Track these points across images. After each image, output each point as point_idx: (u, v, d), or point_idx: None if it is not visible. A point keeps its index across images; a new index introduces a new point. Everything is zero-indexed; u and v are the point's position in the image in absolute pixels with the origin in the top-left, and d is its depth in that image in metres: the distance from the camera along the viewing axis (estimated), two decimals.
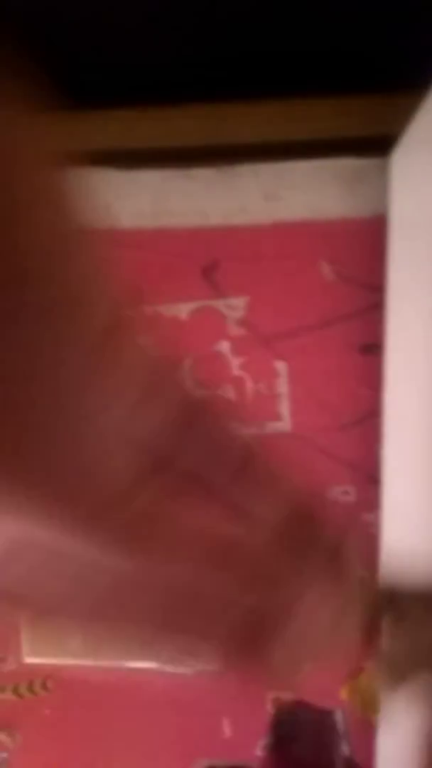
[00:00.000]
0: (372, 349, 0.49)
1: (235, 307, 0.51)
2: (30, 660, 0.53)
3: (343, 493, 0.50)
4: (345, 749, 0.47)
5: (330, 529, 0.16)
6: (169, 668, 0.52)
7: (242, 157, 0.49)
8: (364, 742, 0.50)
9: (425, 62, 0.35)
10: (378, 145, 0.46)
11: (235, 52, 0.46)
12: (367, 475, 0.49)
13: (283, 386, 0.51)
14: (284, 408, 0.51)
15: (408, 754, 0.40)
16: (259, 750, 0.51)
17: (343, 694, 0.51)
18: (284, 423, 0.51)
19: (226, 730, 0.52)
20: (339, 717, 0.48)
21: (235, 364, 0.51)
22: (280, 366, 0.51)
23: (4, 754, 0.55)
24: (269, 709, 0.52)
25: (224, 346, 0.51)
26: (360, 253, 0.49)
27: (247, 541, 0.14)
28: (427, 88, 0.36)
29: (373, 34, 0.43)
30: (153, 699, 0.53)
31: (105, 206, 0.51)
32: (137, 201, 0.51)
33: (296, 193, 0.49)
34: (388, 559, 0.45)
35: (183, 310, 0.51)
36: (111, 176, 0.51)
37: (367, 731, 0.49)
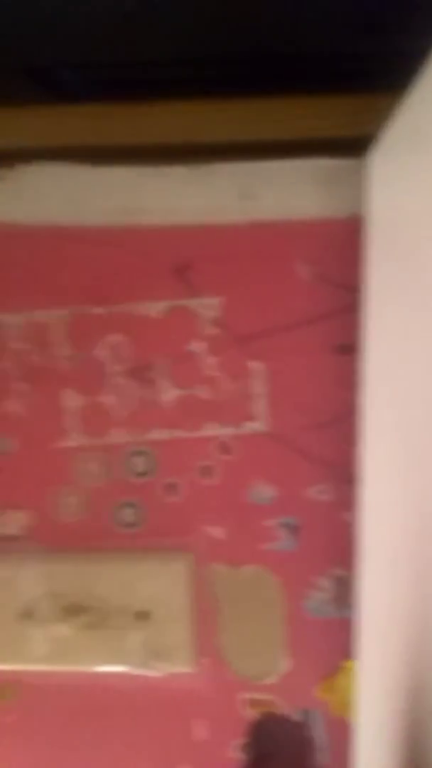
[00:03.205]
0: (348, 349, 0.49)
1: (209, 306, 0.50)
2: None
3: (320, 492, 0.50)
4: (321, 760, 0.47)
5: None
6: (139, 671, 0.51)
7: (217, 156, 0.49)
8: (340, 742, 0.50)
9: (403, 63, 0.35)
10: (355, 145, 0.46)
11: (212, 50, 0.46)
12: (344, 475, 0.49)
13: (259, 386, 0.50)
14: (260, 408, 0.50)
15: (384, 753, 0.41)
16: (232, 752, 0.51)
17: (320, 693, 0.51)
18: (260, 423, 0.50)
19: (199, 732, 0.52)
20: (317, 726, 0.49)
21: (210, 364, 0.51)
22: (256, 366, 0.50)
23: None
24: (242, 710, 0.52)
25: (199, 346, 0.51)
26: (336, 253, 0.49)
27: None
28: (404, 90, 0.36)
29: (351, 35, 0.43)
30: (123, 703, 0.52)
31: (76, 202, 0.50)
32: (109, 198, 0.50)
33: (272, 192, 0.49)
34: (366, 558, 0.45)
35: (156, 309, 0.51)
36: (83, 172, 0.50)
37: (343, 730, 0.50)
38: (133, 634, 0.50)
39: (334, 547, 0.50)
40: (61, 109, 0.48)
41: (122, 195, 0.50)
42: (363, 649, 0.47)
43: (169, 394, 0.51)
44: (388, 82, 0.38)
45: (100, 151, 0.49)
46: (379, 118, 0.41)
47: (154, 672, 0.51)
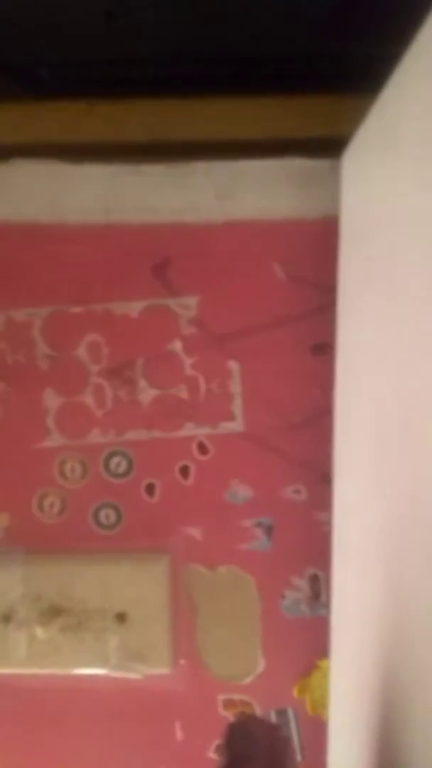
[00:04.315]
0: (324, 349, 0.49)
1: (187, 305, 0.50)
2: None
3: (295, 492, 0.51)
4: (298, 759, 0.47)
5: None
6: (118, 674, 0.51)
7: (194, 155, 0.49)
8: (316, 741, 0.50)
9: (377, 65, 0.35)
10: (330, 146, 0.46)
11: (189, 49, 0.46)
12: (319, 474, 0.50)
13: (235, 386, 0.50)
14: (237, 408, 0.51)
15: (358, 751, 0.41)
16: (211, 753, 0.51)
17: (295, 692, 0.51)
18: (237, 423, 0.50)
19: (177, 734, 0.51)
20: (293, 725, 0.49)
21: (188, 363, 0.51)
22: (233, 365, 0.50)
23: None
24: (220, 711, 0.52)
25: (176, 346, 0.51)
26: (312, 253, 0.49)
27: None
28: (377, 91, 0.37)
29: (326, 37, 0.44)
30: (101, 706, 0.52)
31: (54, 200, 0.50)
32: (87, 196, 0.50)
33: (248, 192, 0.49)
34: (340, 557, 0.45)
35: (134, 308, 0.51)
36: (59, 169, 0.50)
37: (319, 729, 0.50)
38: (112, 636, 0.50)
39: (309, 546, 0.50)
40: (38, 106, 0.48)
41: (100, 193, 0.50)
42: (336, 648, 0.47)
43: (147, 394, 0.51)
44: (362, 83, 0.38)
45: (78, 148, 0.49)
46: (353, 119, 0.41)
47: (133, 674, 0.50)
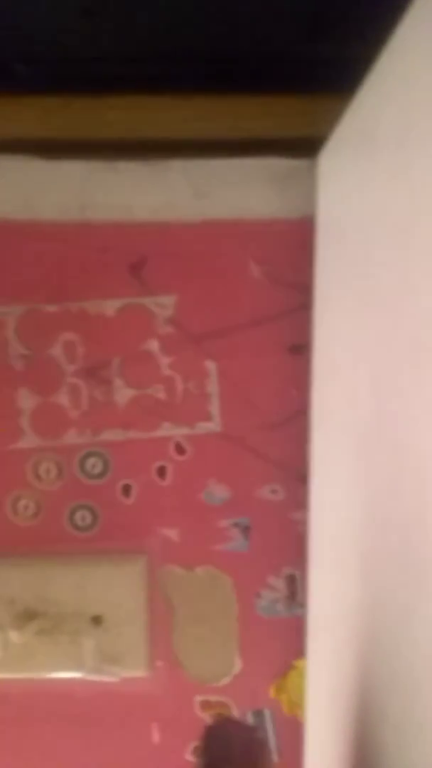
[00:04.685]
0: (300, 349, 0.49)
1: (164, 305, 0.50)
2: None
3: (271, 491, 0.51)
4: (274, 760, 0.47)
5: None
6: (94, 677, 0.50)
7: (170, 152, 0.48)
8: (293, 740, 0.50)
9: (353, 66, 0.35)
10: (307, 146, 0.47)
11: (167, 46, 0.46)
12: (296, 474, 0.50)
13: (213, 386, 0.50)
14: (214, 408, 0.50)
15: (334, 752, 0.41)
16: (188, 755, 0.50)
17: (272, 692, 0.51)
18: (214, 423, 0.50)
19: (155, 736, 0.51)
20: (269, 726, 0.49)
21: (165, 363, 0.50)
22: (210, 365, 0.50)
23: None
24: (197, 712, 0.51)
25: (153, 345, 0.50)
26: (288, 253, 0.49)
27: None
28: (354, 91, 0.37)
29: (304, 35, 0.44)
30: (77, 709, 0.51)
31: (27, 198, 0.49)
32: (61, 193, 0.49)
33: (225, 191, 0.49)
34: (315, 557, 0.45)
35: (110, 307, 0.50)
36: (33, 166, 0.49)
37: (296, 729, 0.50)
38: (88, 639, 0.49)
39: (285, 546, 0.50)
40: (13, 101, 0.47)
41: (75, 190, 0.49)
42: (313, 648, 0.47)
43: (123, 393, 0.50)
44: (338, 84, 0.38)
45: (53, 144, 0.48)
46: (329, 119, 0.41)
47: (109, 677, 0.50)
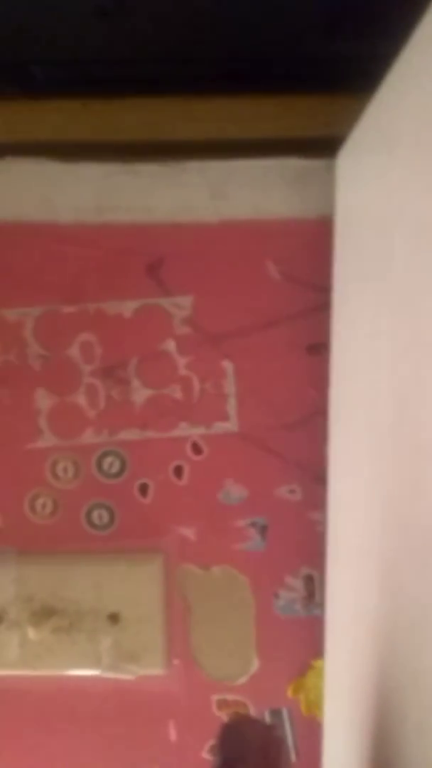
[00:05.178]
0: (318, 349, 0.49)
1: (181, 305, 0.50)
2: None
3: (290, 491, 0.51)
4: (292, 760, 0.47)
5: None
6: (111, 675, 0.51)
7: (188, 154, 0.49)
8: (311, 740, 0.50)
9: (372, 65, 0.35)
10: (325, 146, 0.46)
11: (184, 47, 0.46)
12: (313, 474, 0.50)
13: (230, 386, 0.50)
14: (231, 408, 0.50)
15: (353, 752, 0.41)
16: (204, 753, 0.50)
17: (290, 692, 0.51)
18: (231, 423, 0.50)
19: (171, 734, 0.51)
20: (287, 725, 0.49)
21: (182, 363, 0.50)
22: (227, 365, 0.50)
23: None
24: (214, 711, 0.52)
25: (170, 345, 0.50)
26: (306, 253, 0.49)
27: None
28: (373, 91, 0.37)
29: (323, 34, 0.44)
30: (94, 707, 0.51)
31: (45, 200, 0.50)
32: (79, 195, 0.50)
33: (243, 191, 0.49)
34: (334, 557, 0.45)
35: (127, 308, 0.51)
36: (52, 168, 0.49)
37: (314, 729, 0.50)
38: (105, 637, 0.50)
39: (303, 546, 0.50)
40: (31, 104, 0.48)
41: (93, 192, 0.50)
42: (331, 648, 0.47)
43: (140, 393, 0.50)
44: (358, 84, 0.38)
45: (71, 147, 0.48)
46: (348, 119, 0.41)
47: (126, 675, 0.50)
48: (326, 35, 0.44)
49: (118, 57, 0.46)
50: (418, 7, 0.29)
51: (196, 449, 0.51)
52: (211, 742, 0.51)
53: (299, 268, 0.50)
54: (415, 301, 0.31)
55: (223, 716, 0.51)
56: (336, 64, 0.43)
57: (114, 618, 0.50)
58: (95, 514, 0.51)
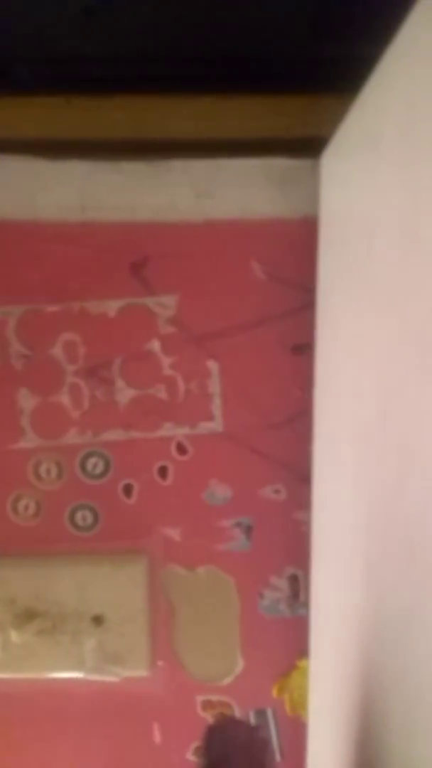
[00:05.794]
0: (303, 348, 0.49)
1: (165, 304, 0.50)
2: None
3: (274, 491, 0.51)
4: (276, 760, 0.47)
5: None
6: (95, 677, 0.50)
7: (173, 153, 0.48)
8: (296, 740, 0.50)
9: (356, 66, 0.35)
10: (309, 146, 0.47)
11: (169, 46, 0.46)
12: (298, 474, 0.50)
13: (215, 386, 0.50)
14: (216, 408, 0.50)
15: (337, 752, 0.41)
16: (190, 754, 0.50)
17: (275, 692, 0.51)
18: (216, 423, 0.50)
19: (157, 735, 0.51)
20: (272, 725, 0.49)
21: (166, 363, 0.50)
22: (212, 365, 0.50)
23: None
24: (199, 712, 0.51)
25: (155, 345, 0.50)
26: (291, 253, 0.49)
27: None
28: (357, 91, 0.37)
29: (307, 35, 0.44)
30: (79, 709, 0.51)
31: (29, 197, 0.49)
32: (63, 193, 0.49)
33: (227, 191, 0.49)
34: (318, 557, 0.45)
35: (111, 307, 0.50)
36: (36, 166, 0.49)
37: (299, 729, 0.50)
38: (89, 639, 0.49)
39: (288, 546, 0.50)
40: (14, 101, 0.47)
41: (77, 190, 0.49)
42: (316, 648, 0.47)
43: (125, 393, 0.50)
44: (342, 84, 0.38)
45: (54, 144, 0.48)
46: (332, 120, 0.41)
47: (110, 677, 0.50)
48: (311, 37, 0.44)
49: (104, 55, 0.46)
50: (401, 10, 0.29)
51: (181, 449, 0.50)
52: (196, 743, 0.51)
53: (284, 268, 0.50)
54: (399, 301, 0.31)
55: (208, 717, 0.51)
56: (320, 65, 0.43)
57: (98, 620, 0.49)
58: (79, 515, 0.50)
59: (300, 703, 0.50)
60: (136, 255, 0.50)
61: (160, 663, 0.51)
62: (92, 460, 0.50)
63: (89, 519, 0.50)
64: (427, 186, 0.27)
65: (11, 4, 0.42)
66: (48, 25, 0.44)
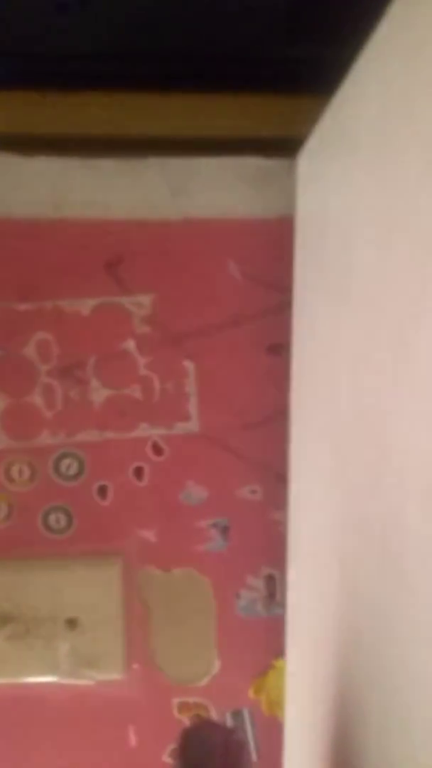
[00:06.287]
0: (279, 348, 0.49)
1: (141, 304, 0.50)
2: None
3: (251, 492, 0.50)
4: (253, 761, 0.47)
5: None
6: (69, 681, 0.50)
7: (148, 150, 0.48)
8: (271, 741, 0.50)
9: (332, 67, 0.35)
10: (285, 146, 0.47)
11: (146, 46, 0.45)
12: (275, 474, 0.50)
13: (191, 386, 0.50)
14: (192, 408, 0.50)
15: (314, 752, 0.41)
16: (166, 757, 0.50)
17: (251, 692, 0.51)
18: (193, 423, 0.50)
19: (132, 738, 0.51)
20: (248, 726, 0.49)
21: (142, 363, 0.50)
22: (188, 365, 0.50)
23: None
24: (175, 715, 0.51)
25: (130, 345, 0.50)
26: (267, 253, 0.49)
27: None
28: (333, 92, 0.37)
29: (283, 35, 0.44)
30: (53, 714, 0.50)
31: (1, 193, 0.48)
32: (35, 190, 0.48)
33: (204, 190, 0.49)
34: (294, 557, 0.46)
35: (85, 306, 0.49)
36: (6, 162, 0.48)
37: (275, 729, 0.50)
38: (63, 643, 0.49)
39: (265, 546, 0.50)
40: None
41: (51, 187, 0.48)
42: (292, 648, 0.47)
43: (99, 393, 0.50)
44: (317, 85, 0.38)
45: (27, 140, 0.47)
46: (308, 119, 0.41)
47: (85, 680, 0.49)
48: (287, 37, 0.44)
49: (78, 52, 0.46)
50: (376, 11, 0.29)
51: (157, 450, 0.50)
52: (172, 746, 0.50)
53: (260, 268, 0.50)
54: (375, 300, 0.31)
55: (184, 719, 0.51)
56: (296, 65, 0.43)
57: (72, 623, 0.49)
58: (52, 518, 0.50)
59: (277, 703, 0.50)
60: (111, 253, 0.49)
61: (135, 666, 0.50)
62: (66, 461, 0.50)
63: (63, 521, 0.50)
64: (402, 185, 0.28)
65: None
66: (21, 20, 0.43)
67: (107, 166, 0.48)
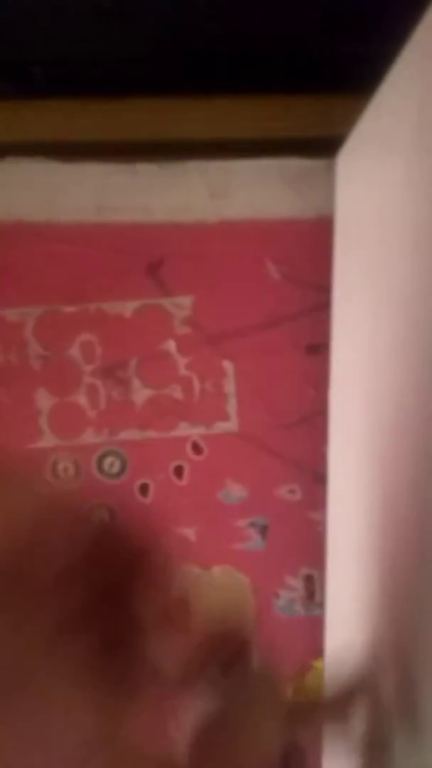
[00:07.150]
0: (318, 349, 0.49)
1: (181, 305, 0.50)
2: None
3: (289, 492, 0.50)
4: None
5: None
6: None
7: (188, 154, 0.49)
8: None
9: (372, 65, 0.35)
10: (325, 146, 0.46)
11: (183, 47, 0.46)
12: (313, 474, 0.50)
13: (230, 386, 0.50)
14: (231, 408, 0.50)
15: (351, 750, 0.41)
16: None
17: (290, 693, 0.51)
18: (231, 423, 0.50)
19: None
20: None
21: (182, 363, 0.50)
22: (227, 365, 0.50)
23: None
24: None
25: (170, 345, 0.50)
26: (306, 253, 0.49)
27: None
28: (373, 91, 0.37)
29: (322, 34, 0.44)
30: None
31: (45, 200, 0.50)
32: (79, 195, 0.50)
33: (243, 192, 0.49)
34: (333, 557, 0.45)
35: (127, 308, 0.51)
36: (52, 169, 0.49)
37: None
38: None
39: (303, 546, 0.50)
40: (31, 104, 0.48)
41: (93, 192, 0.50)
42: (331, 648, 0.47)
43: (141, 393, 0.50)
44: (357, 84, 0.38)
45: (71, 147, 0.48)
46: (347, 119, 0.41)
47: None
48: (326, 35, 0.44)
49: (118, 57, 0.46)
50: (418, 7, 0.29)
51: (197, 449, 0.50)
52: None
53: (299, 268, 0.50)
54: (415, 301, 0.31)
55: None
56: (336, 64, 0.43)
57: None
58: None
59: None
60: (152, 256, 0.50)
61: None
62: (109, 460, 0.51)
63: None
64: None
65: (24, 6, 0.42)
66: (62, 27, 0.44)
67: (148, 171, 0.49)
